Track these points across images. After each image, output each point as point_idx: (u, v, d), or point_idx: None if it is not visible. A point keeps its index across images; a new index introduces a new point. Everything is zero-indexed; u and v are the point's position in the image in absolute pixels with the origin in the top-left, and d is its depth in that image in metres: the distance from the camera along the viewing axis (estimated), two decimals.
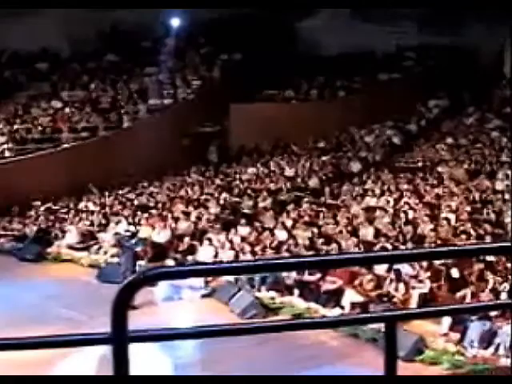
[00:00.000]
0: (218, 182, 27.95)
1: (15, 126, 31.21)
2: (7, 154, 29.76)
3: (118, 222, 23.47)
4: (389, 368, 2.24)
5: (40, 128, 31.05)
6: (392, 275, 16.50)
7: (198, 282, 17.66)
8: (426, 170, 26.23)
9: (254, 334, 2.23)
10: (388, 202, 22.78)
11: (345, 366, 13.28)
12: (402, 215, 21.09)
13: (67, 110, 32.44)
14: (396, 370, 2.27)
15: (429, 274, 16.53)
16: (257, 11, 32.31)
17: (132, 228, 20.78)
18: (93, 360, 11.89)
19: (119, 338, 1.95)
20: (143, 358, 12.57)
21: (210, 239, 20.83)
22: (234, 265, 2.34)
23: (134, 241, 19.01)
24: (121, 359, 1.94)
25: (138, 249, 19.57)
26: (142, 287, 1.98)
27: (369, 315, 2.59)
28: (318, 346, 14.12)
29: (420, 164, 27.46)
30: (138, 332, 2.11)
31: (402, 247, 18.16)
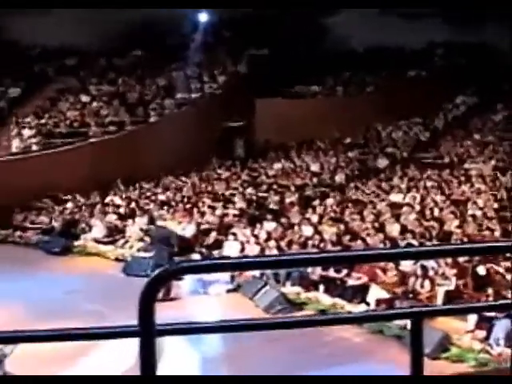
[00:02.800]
0: (244, 177, 27.97)
1: (43, 120, 31.42)
2: (35, 147, 29.97)
3: (144, 216, 23.59)
4: (415, 366, 2.23)
5: (68, 122, 31.24)
6: (418, 272, 16.44)
7: (224, 276, 17.69)
8: (453, 167, 26.09)
9: (279, 329, 2.24)
10: (414, 198, 22.70)
11: (369, 364, 13.22)
12: (428, 212, 21.01)
13: (95, 104, 32.60)
14: (422, 367, 2.25)
15: (455, 271, 16.46)
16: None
17: (159, 222, 20.82)
18: (118, 353, 11.96)
19: (146, 331, 1.97)
20: (168, 352, 12.65)
21: (235, 234, 20.86)
22: (259, 259, 2.34)
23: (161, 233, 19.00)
24: (148, 352, 1.95)
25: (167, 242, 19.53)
26: (169, 280, 1.99)
27: (395, 311, 2.58)
28: (342, 343, 14.08)
29: (447, 160, 27.32)
30: (165, 325, 2.12)
31: (428, 244, 18.13)
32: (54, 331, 2.16)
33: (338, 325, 2.42)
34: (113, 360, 12.29)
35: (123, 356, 12.28)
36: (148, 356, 1.95)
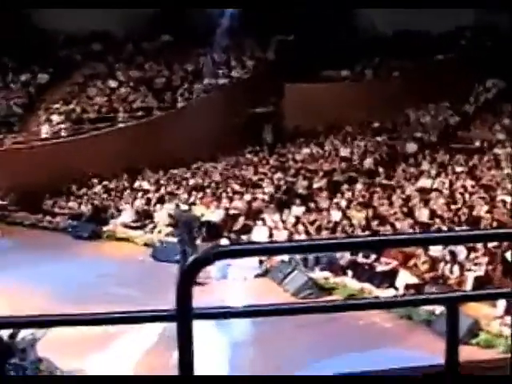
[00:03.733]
0: (272, 162, 27.95)
1: (71, 106, 31.57)
2: (64, 133, 30.14)
3: (172, 202, 23.67)
4: (450, 351, 2.21)
5: (96, 108, 31.37)
6: (447, 257, 16.37)
7: (253, 261, 17.71)
8: (483, 152, 25.89)
9: (311, 313, 2.23)
10: (443, 183, 22.57)
11: (398, 349, 13.20)
12: (458, 197, 20.90)
13: (123, 89, 32.68)
14: (458, 354, 2.23)
15: (484, 256, 16.38)
16: None
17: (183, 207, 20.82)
18: (150, 337, 12.05)
19: (184, 315, 1.97)
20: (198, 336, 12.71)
21: (263, 219, 20.87)
22: (299, 244, 2.34)
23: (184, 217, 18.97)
24: (185, 336, 1.95)
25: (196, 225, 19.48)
26: (208, 265, 1.98)
27: (429, 296, 2.56)
28: (372, 328, 14.07)
29: (476, 145, 27.11)
30: (202, 309, 2.12)
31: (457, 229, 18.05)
32: (90, 315, 2.17)
33: (369, 310, 2.41)
34: (137, 341, 12.38)
35: (146, 337, 12.40)
36: (185, 340, 1.95)
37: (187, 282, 1.96)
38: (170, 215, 22.49)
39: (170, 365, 11.92)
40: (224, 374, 10.98)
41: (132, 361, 12.02)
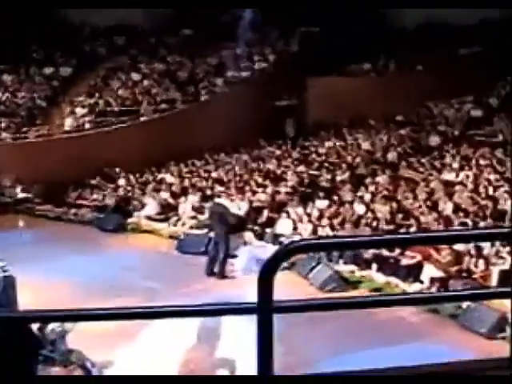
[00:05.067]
0: (295, 155, 27.97)
1: (95, 99, 31.70)
2: (87, 125, 30.28)
3: (196, 194, 23.75)
4: None
5: (119, 100, 31.48)
6: (472, 251, 16.35)
7: None
8: (507, 145, 25.76)
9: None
10: (467, 176, 22.51)
11: (424, 343, 13.18)
12: (482, 190, 20.84)
13: (146, 82, 32.77)
14: None
15: (509, 249, 16.33)
16: None
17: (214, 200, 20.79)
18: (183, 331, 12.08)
19: (265, 308, 2.02)
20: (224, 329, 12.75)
21: (287, 212, 20.89)
22: (375, 238, 2.38)
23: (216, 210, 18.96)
24: (266, 329, 2.00)
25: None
26: (289, 258, 2.03)
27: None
28: (398, 322, 14.05)
29: (500, 138, 27.00)
30: (282, 302, 2.17)
31: (482, 223, 18.03)
32: (157, 308, 2.21)
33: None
34: (172, 336, 12.42)
35: (181, 334, 12.44)
36: (265, 333, 1.99)
37: (269, 274, 2.00)
38: (195, 208, 22.58)
39: (201, 359, 12.00)
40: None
41: (163, 354, 12.07)
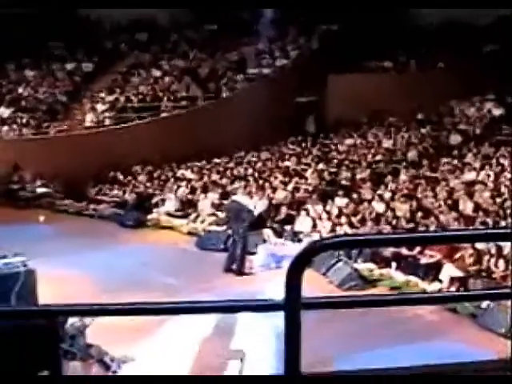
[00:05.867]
0: (315, 152, 27.94)
1: (116, 95, 31.79)
2: (108, 121, 30.37)
3: (215, 191, 23.77)
4: None
5: (140, 97, 31.55)
6: (493, 250, 16.27)
7: (295, 251, 17.66)
8: None
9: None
10: (488, 175, 22.40)
11: (443, 342, 13.12)
12: (503, 190, 20.73)
13: (167, 79, 32.82)
14: None
15: None
16: None
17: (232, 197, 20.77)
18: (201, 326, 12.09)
19: (293, 305, 2.02)
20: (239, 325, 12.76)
21: (307, 210, 20.87)
22: (405, 236, 2.37)
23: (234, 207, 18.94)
24: (294, 326, 2.00)
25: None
26: (314, 256, 2.03)
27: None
28: (417, 320, 14.01)
29: None
30: (310, 299, 2.17)
31: (503, 223, 17.95)
32: (180, 304, 2.21)
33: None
34: (190, 332, 12.46)
35: (200, 329, 12.46)
36: (293, 330, 2.00)
37: (297, 271, 2.00)
38: (214, 204, 22.61)
39: (220, 354, 12.00)
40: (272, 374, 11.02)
41: (182, 349, 12.10)
